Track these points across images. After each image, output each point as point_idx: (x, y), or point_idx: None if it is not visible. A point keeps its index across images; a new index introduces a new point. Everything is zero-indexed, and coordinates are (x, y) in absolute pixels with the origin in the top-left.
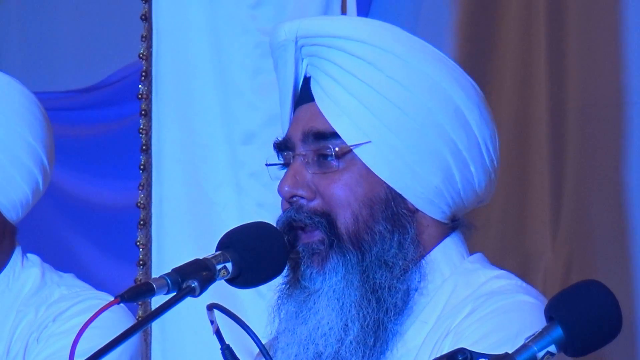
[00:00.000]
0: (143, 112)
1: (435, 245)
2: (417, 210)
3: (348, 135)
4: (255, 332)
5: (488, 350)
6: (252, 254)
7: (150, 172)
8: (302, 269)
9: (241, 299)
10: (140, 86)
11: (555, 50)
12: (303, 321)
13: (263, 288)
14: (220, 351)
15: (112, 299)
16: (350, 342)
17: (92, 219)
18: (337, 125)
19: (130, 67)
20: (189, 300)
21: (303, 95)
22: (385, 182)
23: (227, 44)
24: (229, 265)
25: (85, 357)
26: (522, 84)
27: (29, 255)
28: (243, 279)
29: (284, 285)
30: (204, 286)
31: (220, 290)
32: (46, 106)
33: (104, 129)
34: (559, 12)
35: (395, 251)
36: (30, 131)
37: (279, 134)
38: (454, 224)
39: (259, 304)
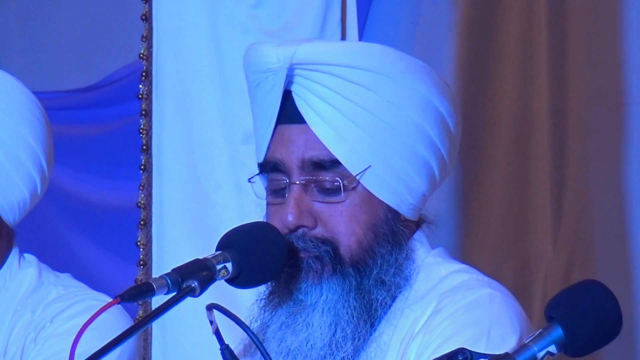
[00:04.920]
0: (143, 112)
1: (407, 242)
2: (406, 219)
3: (350, 162)
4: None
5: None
6: (252, 254)
7: (150, 172)
8: (297, 282)
9: (241, 299)
10: (140, 86)
11: (556, 50)
12: (294, 332)
13: (263, 288)
14: (219, 351)
15: (109, 299)
16: (342, 359)
17: (92, 219)
18: (339, 153)
19: (130, 67)
20: (189, 300)
21: (287, 113)
22: (384, 202)
23: (227, 44)
24: (229, 265)
25: (85, 358)
26: (523, 84)
27: (25, 255)
28: (243, 279)
29: (271, 296)
30: (204, 286)
31: (220, 290)
32: (46, 106)
33: (104, 129)
34: (560, 12)
35: (394, 270)
36: (31, 133)
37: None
38: (419, 220)
39: None
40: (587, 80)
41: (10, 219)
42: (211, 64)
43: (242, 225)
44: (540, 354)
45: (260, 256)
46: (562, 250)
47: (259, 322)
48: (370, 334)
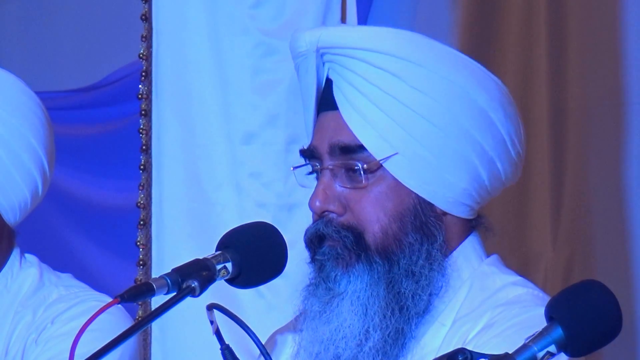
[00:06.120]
0: (143, 112)
1: (458, 245)
2: (446, 213)
3: (375, 148)
4: (255, 332)
5: None
6: (252, 254)
7: (150, 172)
8: (327, 271)
9: (241, 299)
10: (140, 86)
11: (556, 50)
12: (326, 321)
13: (263, 288)
14: (220, 351)
15: (110, 299)
16: (370, 349)
17: (92, 219)
18: (364, 138)
19: (130, 67)
20: (189, 300)
21: (326, 101)
22: (413, 192)
23: (227, 44)
24: (229, 265)
25: (85, 358)
26: (523, 84)
27: (27, 255)
28: (243, 279)
29: (309, 286)
30: (204, 286)
31: (220, 290)
32: (46, 106)
33: (104, 129)
34: (560, 12)
35: (422, 262)
36: (33, 133)
37: (280, 134)
38: (474, 223)
39: (259, 304)
40: (587, 80)
41: (12, 219)
42: (211, 63)
43: (242, 225)
44: (540, 354)
45: (260, 256)
46: (562, 250)
47: (303, 310)
48: (404, 329)
